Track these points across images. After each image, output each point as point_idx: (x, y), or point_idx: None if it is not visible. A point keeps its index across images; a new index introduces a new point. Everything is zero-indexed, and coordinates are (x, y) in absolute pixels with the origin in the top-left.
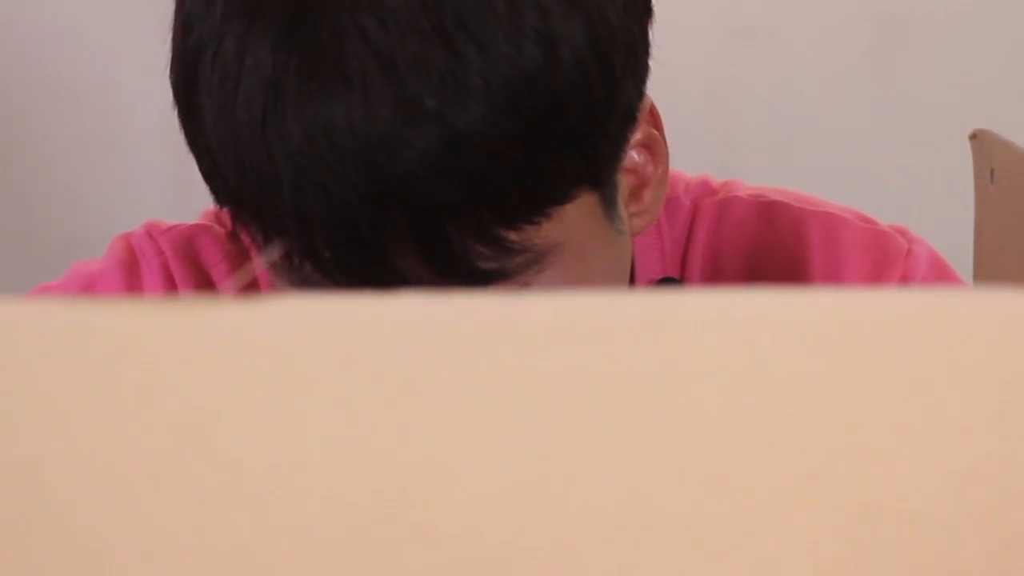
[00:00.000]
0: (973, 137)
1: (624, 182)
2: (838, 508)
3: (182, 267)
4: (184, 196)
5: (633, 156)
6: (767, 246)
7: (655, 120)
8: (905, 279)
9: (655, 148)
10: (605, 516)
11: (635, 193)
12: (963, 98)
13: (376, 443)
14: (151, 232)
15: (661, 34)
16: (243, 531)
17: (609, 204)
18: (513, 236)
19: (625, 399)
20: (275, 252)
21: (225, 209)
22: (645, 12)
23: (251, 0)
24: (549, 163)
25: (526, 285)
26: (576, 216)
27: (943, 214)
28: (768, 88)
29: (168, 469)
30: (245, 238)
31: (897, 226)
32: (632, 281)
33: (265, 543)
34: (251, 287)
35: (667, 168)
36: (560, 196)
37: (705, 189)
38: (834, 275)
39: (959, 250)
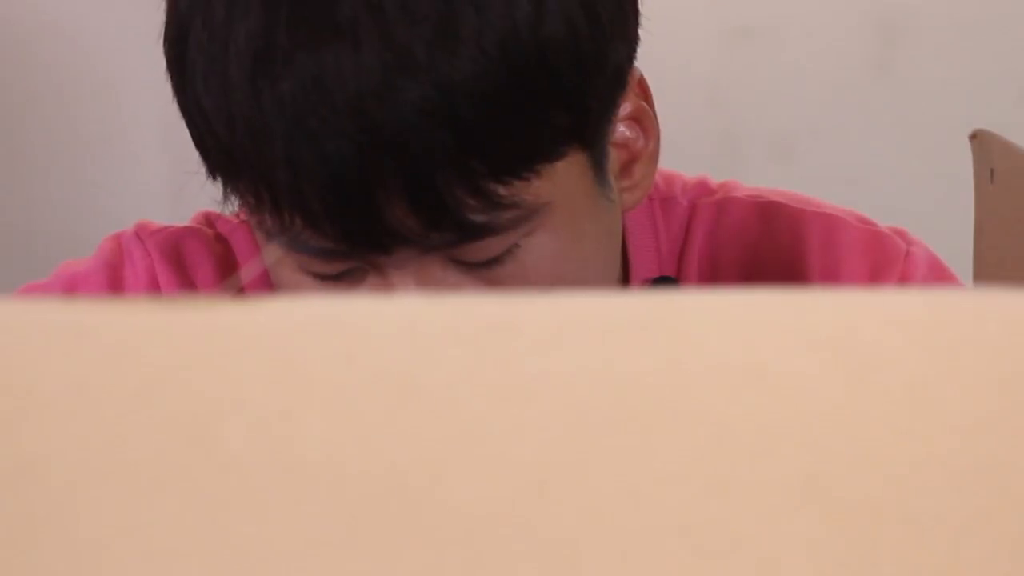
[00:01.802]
0: (973, 137)
1: (615, 155)
2: (838, 508)
3: (167, 270)
4: (184, 196)
5: (623, 131)
6: (765, 247)
7: (645, 94)
8: (903, 281)
9: (645, 122)
10: (605, 516)
11: (625, 167)
12: (963, 98)
13: (376, 443)
14: (139, 233)
15: (661, 34)
16: (243, 531)
17: (599, 168)
18: (502, 191)
19: (625, 399)
20: (267, 211)
21: (218, 178)
22: None
23: None
24: (538, 115)
25: (516, 247)
26: (566, 176)
27: (943, 214)
28: (768, 88)
29: (168, 469)
30: (241, 212)
31: (896, 228)
32: (627, 280)
33: (265, 543)
34: (238, 292)
35: (658, 143)
36: (549, 152)
37: (703, 189)
38: (832, 276)
39: (959, 250)
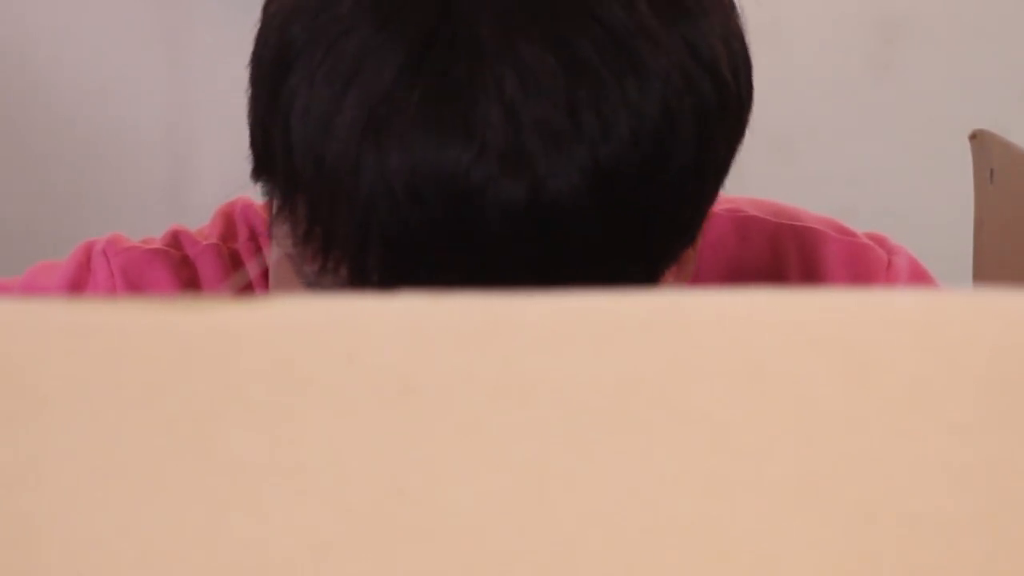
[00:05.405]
0: (973, 137)
1: None
2: (838, 508)
3: (126, 294)
4: (184, 196)
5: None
6: (744, 263)
7: (695, 239)
8: None
9: (684, 265)
10: (605, 516)
11: None
12: (963, 98)
13: (376, 443)
14: (108, 251)
15: None
16: (243, 531)
17: None
18: None
19: (625, 399)
20: (313, 246)
21: (262, 180)
22: (739, 142)
23: (386, 5)
24: (611, 264)
25: None
26: None
27: (943, 214)
28: (768, 88)
29: (168, 469)
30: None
31: (875, 234)
32: None
33: (265, 543)
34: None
35: (687, 283)
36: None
37: None
38: None
39: (959, 250)
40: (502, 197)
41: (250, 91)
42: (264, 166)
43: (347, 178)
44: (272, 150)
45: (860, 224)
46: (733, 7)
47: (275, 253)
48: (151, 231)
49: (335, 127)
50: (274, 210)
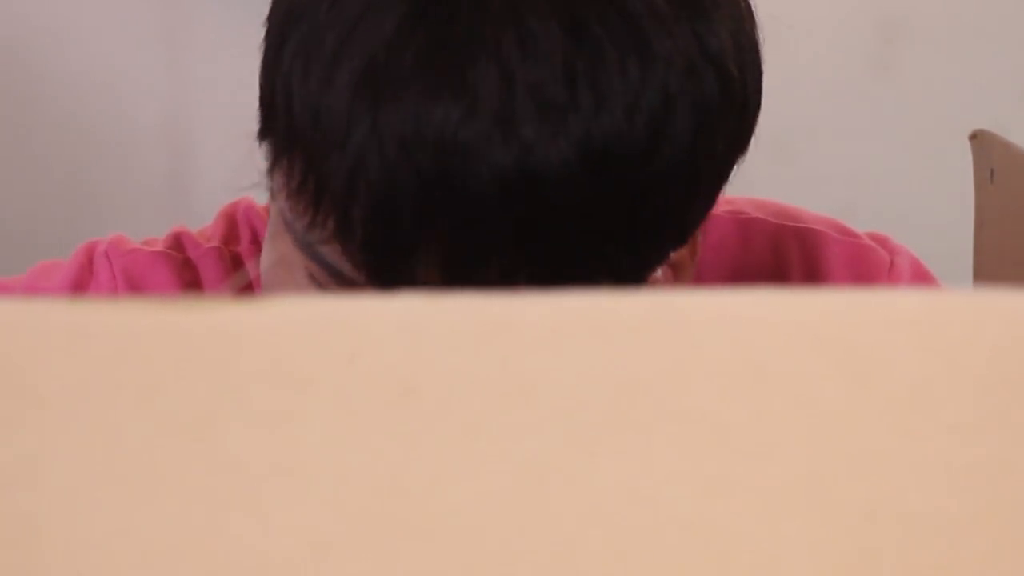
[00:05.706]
0: (973, 137)
1: None
2: (838, 508)
3: (128, 296)
4: (184, 196)
5: (657, 272)
6: (746, 265)
7: (694, 245)
8: None
9: (681, 271)
10: (605, 516)
11: None
12: (963, 98)
13: (376, 443)
14: (110, 253)
15: None
16: (243, 531)
17: None
18: None
19: (625, 399)
20: (306, 199)
21: (266, 140)
22: (743, 151)
23: None
24: (595, 246)
25: None
26: None
27: (943, 214)
28: (767, 88)
29: (168, 469)
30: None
31: (877, 235)
32: None
33: (265, 543)
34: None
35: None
36: (593, 278)
37: None
38: None
39: (959, 250)
40: (489, 159)
41: (263, 49)
42: (269, 123)
43: (340, 128)
44: (275, 103)
45: (860, 224)
46: (751, 14)
47: (267, 258)
48: (151, 230)
49: (333, 78)
50: (272, 164)
